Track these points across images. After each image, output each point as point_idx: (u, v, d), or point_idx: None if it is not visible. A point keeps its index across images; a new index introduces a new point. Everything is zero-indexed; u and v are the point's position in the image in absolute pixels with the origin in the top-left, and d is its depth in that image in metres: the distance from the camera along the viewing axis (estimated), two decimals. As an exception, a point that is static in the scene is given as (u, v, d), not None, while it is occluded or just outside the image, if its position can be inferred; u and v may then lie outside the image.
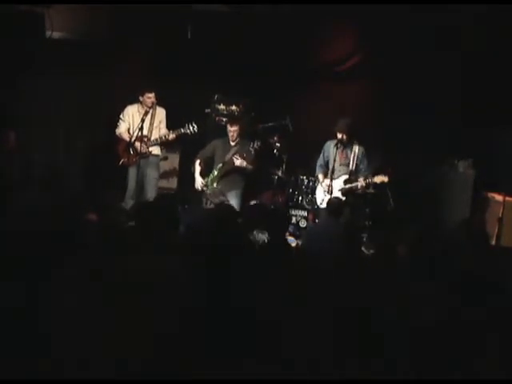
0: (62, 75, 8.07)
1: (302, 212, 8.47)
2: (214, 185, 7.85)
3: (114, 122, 8.21)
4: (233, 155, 7.80)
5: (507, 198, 7.23)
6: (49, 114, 8.25)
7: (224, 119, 8.65)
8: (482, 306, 3.24)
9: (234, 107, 8.82)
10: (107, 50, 8.12)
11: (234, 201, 7.59)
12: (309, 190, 8.41)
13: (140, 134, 7.74)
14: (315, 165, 7.95)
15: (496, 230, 7.09)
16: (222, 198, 6.80)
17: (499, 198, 7.40)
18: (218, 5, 7.86)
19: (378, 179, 7.34)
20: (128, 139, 7.81)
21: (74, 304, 3.03)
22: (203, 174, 8.00)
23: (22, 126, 7.79)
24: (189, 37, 8.18)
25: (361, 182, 7.44)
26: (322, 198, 7.66)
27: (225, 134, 8.02)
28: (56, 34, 7.65)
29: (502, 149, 7.79)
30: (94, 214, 4.93)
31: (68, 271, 3.26)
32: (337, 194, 7.50)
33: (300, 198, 8.51)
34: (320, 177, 7.80)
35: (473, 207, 7.88)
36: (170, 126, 7.97)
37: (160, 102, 8.02)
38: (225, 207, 6.58)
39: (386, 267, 4.14)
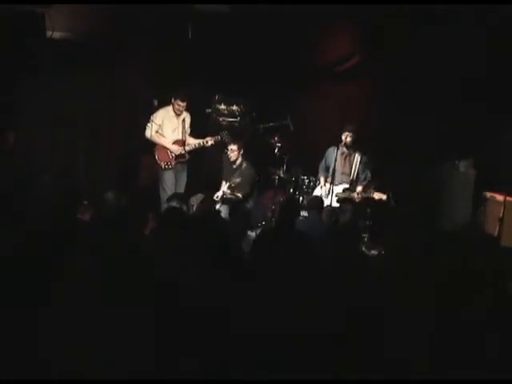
0: (62, 75, 8.07)
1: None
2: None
3: (115, 122, 8.23)
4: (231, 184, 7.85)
5: (508, 198, 7.20)
6: (49, 114, 8.25)
7: (222, 119, 8.70)
8: (482, 305, 3.24)
9: (234, 107, 8.83)
10: (107, 49, 8.12)
11: None
12: (309, 190, 8.42)
13: (180, 138, 7.87)
14: (316, 165, 8.01)
15: (497, 230, 7.07)
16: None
17: (500, 198, 7.39)
18: (218, 5, 7.85)
19: (377, 195, 7.54)
20: (166, 143, 7.88)
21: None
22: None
23: (21, 126, 7.79)
24: (189, 37, 8.18)
25: (358, 195, 7.62)
26: None
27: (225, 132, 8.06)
28: (56, 34, 7.64)
29: (502, 149, 7.78)
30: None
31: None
32: (333, 199, 7.63)
33: (301, 198, 8.49)
34: (321, 180, 8.02)
35: (473, 207, 7.87)
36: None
37: (162, 103, 8.07)
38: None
39: (386, 267, 4.14)
